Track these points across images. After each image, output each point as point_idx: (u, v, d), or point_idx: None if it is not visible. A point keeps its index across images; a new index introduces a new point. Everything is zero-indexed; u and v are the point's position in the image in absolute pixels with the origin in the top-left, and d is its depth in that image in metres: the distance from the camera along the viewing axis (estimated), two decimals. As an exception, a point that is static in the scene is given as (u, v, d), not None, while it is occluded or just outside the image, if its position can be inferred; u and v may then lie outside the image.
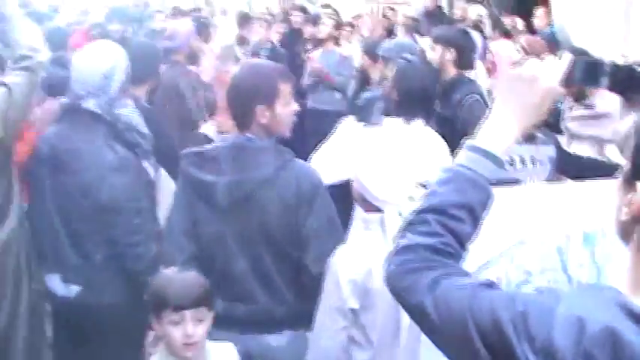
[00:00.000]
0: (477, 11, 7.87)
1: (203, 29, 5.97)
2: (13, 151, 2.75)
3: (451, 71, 3.99)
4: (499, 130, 1.38)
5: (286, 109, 2.39)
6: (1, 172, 2.70)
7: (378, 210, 2.20)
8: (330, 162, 3.16)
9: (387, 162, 2.26)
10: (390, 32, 6.85)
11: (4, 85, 2.73)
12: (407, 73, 3.27)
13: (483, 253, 1.80)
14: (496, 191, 1.46)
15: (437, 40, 4.21)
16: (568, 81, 1.42)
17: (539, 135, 3.19)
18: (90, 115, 2.68)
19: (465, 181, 1.32)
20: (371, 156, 2.32)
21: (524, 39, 5.57)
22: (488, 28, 7.36)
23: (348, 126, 3.43)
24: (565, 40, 7.13)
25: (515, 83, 1.40)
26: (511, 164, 3.01)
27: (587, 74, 1.43)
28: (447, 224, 1.27)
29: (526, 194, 2.15)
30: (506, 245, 1.90)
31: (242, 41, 7.25)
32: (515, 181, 2.86)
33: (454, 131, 3.36)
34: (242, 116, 2.36)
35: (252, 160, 2.31)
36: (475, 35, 5.20)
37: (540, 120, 1.44)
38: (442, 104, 3.69)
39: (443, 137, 3.24)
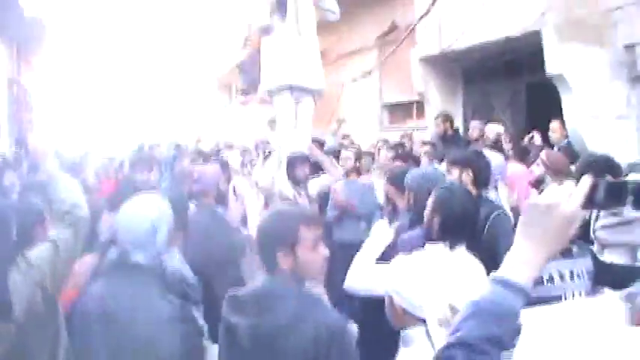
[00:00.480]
0: (495, 130, 7.98)
1: (226, 170, 6.14)
2: (58, 306, 2.82)
3: (471, 191, 4.04)
4: (523, 261, 1.38)
5: (311, 254, 2.38)
6: (50, 325, 2.77)
7: (419, 321, 2.22)
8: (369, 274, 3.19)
9: (431, 279, 2.28)
10: (407, 159, 6.91)
11: (51, 240, 2.88)
12: (448, 200, 3.28)
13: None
14: (538, 310, 1.45)
15: (454, 162, 4.29)
16: (591, 204, 1.41)
17: (575, 248, 3.18)
18: (140, 269, 2.69)
19: (489, 316, 1.33)
20: (414, 272, 2.34)
21: (544, 153, 5.62)
22: (506, 146, 7.44)
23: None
24: (580, 146, 7.26)
25: (535, 212, 1.40)
26: (550, 281, 2.99)
27: (611, 196, 1.43)
28: (474, 359, 1.29)
29: (570, 310, 2.12)
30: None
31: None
32: (557, 298, 2.84)
33: (481, 250, 3.37)
34: (267, 261, 2.39)
35: (271, 305, 2.31)
36: (495, 155, 5.25)
37: (564, 245, 1.43)
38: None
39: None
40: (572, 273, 3.09)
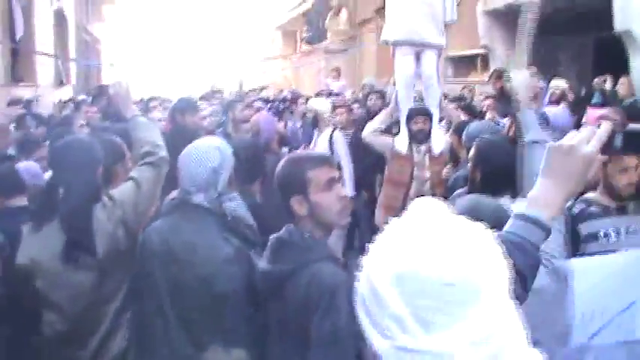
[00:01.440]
0: (560, 85, 7.89)
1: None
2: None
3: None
4: (544, 199, 1.49)
5: (326, 195, 2.30)
6: (131, 261, 2.89)
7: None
8: None
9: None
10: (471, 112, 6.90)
11: (133, 179, 3.01)
12: (488, 152, 3.34)
13: (597, 317, 1.92)
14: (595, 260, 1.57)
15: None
16: (609, 149, 1.54)
17: (631, 205, 3.23)
18: (201, 210, 2.79)
19: (512, 246, 1.41)
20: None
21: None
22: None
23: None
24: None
25: (556, 154, 1.50)
26: (606, 237, 3.06)
27: (629, 143, 1.54)
28: None
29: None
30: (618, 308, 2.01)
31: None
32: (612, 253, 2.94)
33: None
34: (286, 209, 2.34)
35: (281, 253, 2.33)
36: (561, 110, 5.25)
37: (582, 187, 1.55)
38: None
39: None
40: (627, 229, 3.14)
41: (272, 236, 2.40)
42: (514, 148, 3.52)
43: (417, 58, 6.02)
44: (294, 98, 10.45)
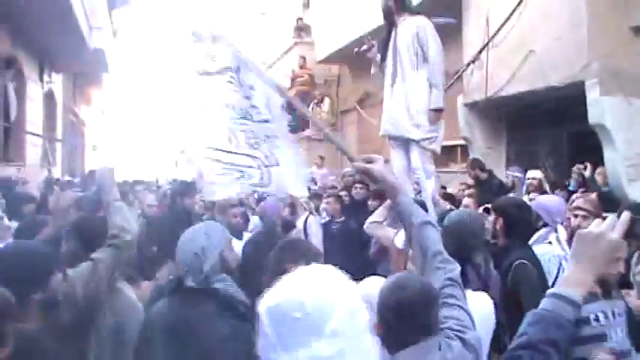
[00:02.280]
0: (536, 175, 8.22)
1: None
2: (92, 321, 3.12)
3: (501, 239, 4.34)
4: (575, 280, 1.72)
5: None
6: (80, 339, 3.03)
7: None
8: None
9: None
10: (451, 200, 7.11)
11: (93, 259, 3.21)
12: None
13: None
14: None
15: (491, 209, 4.63)
16: (630, 235, 1.80)
17: (614, 292, 3.46)
18: (193, 291, 2.99)
19: (548, 322, 1.66)
20: None
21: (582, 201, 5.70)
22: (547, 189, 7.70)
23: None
24: (621, 194, 7.51)
25: (585, 240, 1.73)
26: (596, 320, 3.27)
27: None
28: (537, 358, 1.61)
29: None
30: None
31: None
32: (604, 335, 3.19)
33: (506, 293, 3.83)
34: None
35: None
36: (554, 199, 5.42)
37: (609, 269, 1.76)
38: (498, 269, 4.00)
39: (500, 298, 3.65)
40: (613, 312, 3.35)
41: None
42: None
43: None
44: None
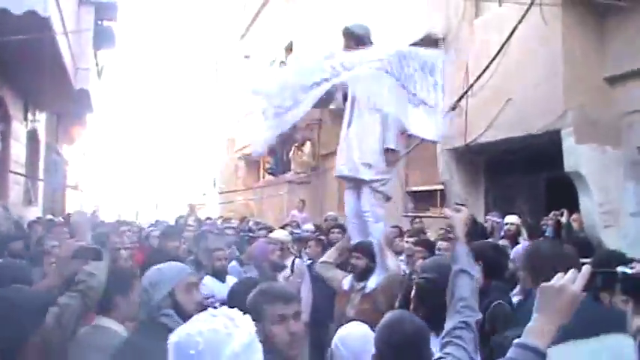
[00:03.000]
0: (512, 221, 8.39)
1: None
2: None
3: (480, 281, 4.29)
4: (539, 330, 1.83)
5: (277, 329, 2.66)
6: None
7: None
8: None
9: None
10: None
11: (58, 304, 3.29)
12: (428, 291, 3.53)
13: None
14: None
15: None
16: (589, 288, 1.91)
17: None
18: (146, 324, 3.23)
19: None
20: None
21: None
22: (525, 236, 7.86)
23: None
24: (596, 240, 7.69)
25: (548, 293, 1.87)
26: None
27: (605, 283, 1.98)
28: None
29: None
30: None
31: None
32: None
33: (483, 333, 3.69)
34: None
35: None
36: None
37: (569, 319, 1.87)
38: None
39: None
40: None
41: None
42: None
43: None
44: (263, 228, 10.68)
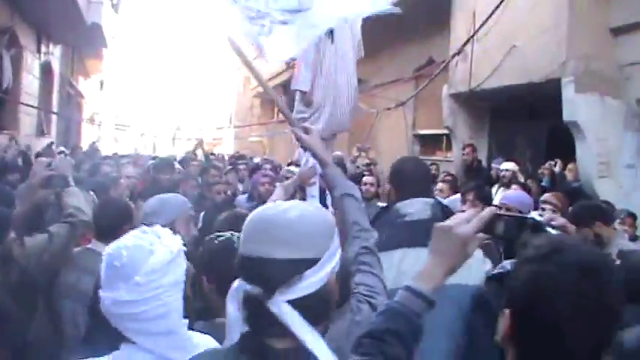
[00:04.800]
0: (509, 167, 8.47)
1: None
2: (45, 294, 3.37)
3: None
4: (428, 273, 1.70)
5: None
6: (28, 299, 3.20)
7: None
8: None
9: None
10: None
11: (49, 232, 3.49)
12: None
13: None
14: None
15: (469, 190, 5.14)
16: (491, 232, 1.79)
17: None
18: None
19: (395, 314, 1.66)
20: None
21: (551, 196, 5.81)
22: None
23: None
24: (590, 190, 7.75)
25: (437, 233, 1.74)
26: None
27: (509, 229, 1.81)
28: (379, 347, 1.60)
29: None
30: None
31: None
32: None
33: None
34: None
35: None
36: (522, 194, 5.44)
37: (462, 263, 1.73)
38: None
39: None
40: None
41: None
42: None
43: None
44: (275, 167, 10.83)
